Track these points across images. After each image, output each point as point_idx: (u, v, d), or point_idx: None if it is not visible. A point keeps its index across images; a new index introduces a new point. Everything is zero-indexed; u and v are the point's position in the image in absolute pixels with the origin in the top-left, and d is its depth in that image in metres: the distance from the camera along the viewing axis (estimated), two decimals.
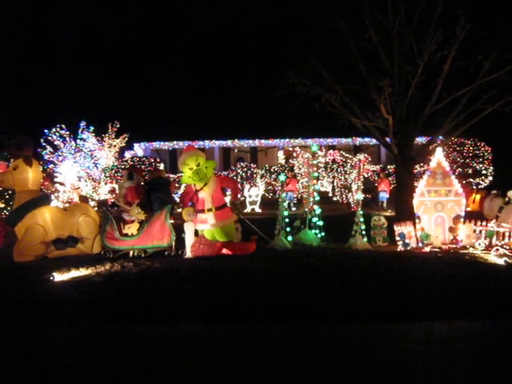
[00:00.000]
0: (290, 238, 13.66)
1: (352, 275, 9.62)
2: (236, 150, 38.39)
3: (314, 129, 32.02)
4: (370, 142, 32.57)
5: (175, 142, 35.11)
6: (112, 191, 22.65)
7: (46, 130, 24.99)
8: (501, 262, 11.10)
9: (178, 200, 15.05)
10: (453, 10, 15.88)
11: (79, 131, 26.06)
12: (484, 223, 13.17)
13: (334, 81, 17.29)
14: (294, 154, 26.61)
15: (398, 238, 13.08)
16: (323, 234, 14.27)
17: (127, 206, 12.84)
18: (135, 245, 12.49)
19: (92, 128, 26.50)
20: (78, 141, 25.88)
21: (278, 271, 10.05)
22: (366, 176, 26.98)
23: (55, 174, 23.33)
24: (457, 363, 5.95)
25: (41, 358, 6.41)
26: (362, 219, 13.58)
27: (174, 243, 12.58)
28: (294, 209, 22.11)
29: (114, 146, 28.22)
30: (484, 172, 28.55)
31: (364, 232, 13.55)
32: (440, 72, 16.81)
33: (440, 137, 19.23)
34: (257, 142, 36.27)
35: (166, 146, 35.80)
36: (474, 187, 25.85)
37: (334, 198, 26.61)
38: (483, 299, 8.27)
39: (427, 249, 12.79)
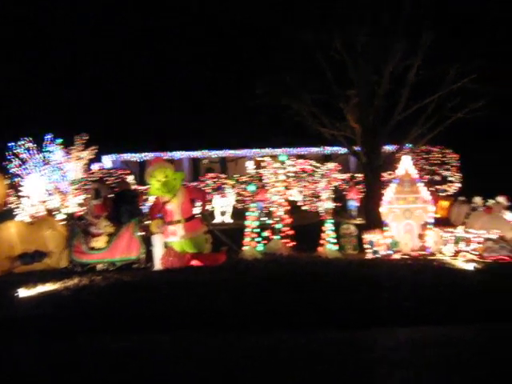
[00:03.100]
0: (260, 247, 13.65)
1: (322, 284, 9.62)
2: (205, 161, 38.26)
3: (283, 138, 32.08)
4: (339, 151, 32.69)
5: (144, 154, 34.84)
6: (80, 204, 22.39)
7: (11, 143, 24.56)
8: (469, 267, 11.23)
9: (146, 212, 14.91)
10: (417, 20, 16.11)
11: (46, 144, 25.69)
12: (452, 229, 13.33)
13: (302, 90, 17.37)
14: (264, 164, 26.61)
15: (367, 246, 13.16)
16: (293, 243, 14.27)
17: (95, 219, 12.68)
18: (103, 258, 12.35)
19: (59, 140, 26.13)
20: (45, 153, 25.50)
21: (248, 281, 10.00)
22: (335, 185, 27.11)
23: (21, 188, 23.00)
24: (426, 369, 5.96)
25: (5, 375, 6.25)
26: (331, 228, 13.63)
27: (142, 256, 12.46)
28: (263, 218, 22.08)
29: (82, 158, 27.89)
30: (451, 179, 28.90)
31: (334, 240, 13.60)
32: (406, 81, 17.02)
33: (407, 145, 19.44)
34: (226, 153, 36.23)
35: (135, 157, 35.53)
36: (442, 194, 26.13)
37: (304, 207, 26.65)
38: (452, 305, 8.33)
39: (396, 256, 12.89)
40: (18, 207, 22.01)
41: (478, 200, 16.57)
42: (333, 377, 5.83)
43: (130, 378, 5.98)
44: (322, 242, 13.59)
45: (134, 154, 35.52)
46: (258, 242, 13.85)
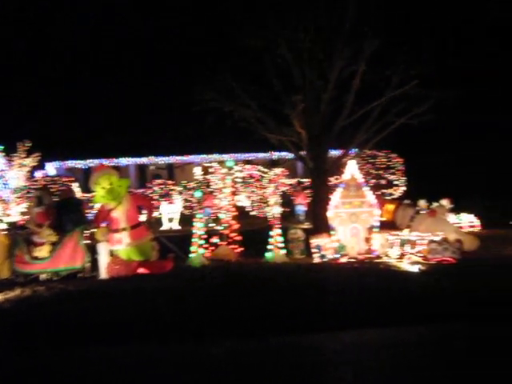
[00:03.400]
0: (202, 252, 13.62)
1: (269, 289, 9.60)
2: (152, 167, 37.90)
3: (230, 144, 32.08)
4: (287, 156, 32.86)
5: (89, 161, 34.24)
6: (23, 213, 21.83)
7: None
8: (414, 269, 11.41)
9: (91, 220, 14.62)
10: (360, 26, 16.35)
11: None
12: (397, 232, 13.53)
13: (247, 96, 17.38)
14: (211, 170, 26.52)
15: (314, 250, 13.22)
16: (241, 248, 14.24)
17: (37, 227, 12.34)
18: (47, 268, 12.05)
19: (0, 147, 25.42)
20: None
21: (196, 289, 9.89)
22: (283, 190, 27.21)
23: None
24: (372, 371, 5.99)
25: None
26: (279, 233, 13.65)
27: (87, 264, 12.21)
28: (211, 224, 21.97)
29: (25, 165, 27.19)
30: (396, 182, 29.42)
31: (282, 245, 13.62)
32: (350, 87, 17.23)
33: (353, 149, 19.68)
34: (173, 159, 35.98)
35: (80, 164, 34.90)
36: (387, 198, 26.55)
37: (252, 213, 26.63)
38: (398, 307, 8.43)
39: (343, 259, 13.00)
40: None
41: (422, 203, 16.88)
42: (281, 381, 5.81)
43: None
44: (269, 247, 13.58)
45: (78, 161, 34.88)
46: (206, 249, 13.78)
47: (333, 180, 23.73)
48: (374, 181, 28.79)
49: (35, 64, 42.39)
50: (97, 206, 14.19)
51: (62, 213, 12.66)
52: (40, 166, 30.21)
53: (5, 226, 19.13)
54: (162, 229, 22.20)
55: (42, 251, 12.12)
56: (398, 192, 29.09)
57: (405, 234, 13.51)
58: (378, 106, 17.35)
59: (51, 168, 34.62)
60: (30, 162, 27.11)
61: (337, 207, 13.83)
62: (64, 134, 34.40)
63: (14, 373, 6.55)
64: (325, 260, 13.04)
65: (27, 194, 25.03)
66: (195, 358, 6.79)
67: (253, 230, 17.88)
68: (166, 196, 27.24)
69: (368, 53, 16.52)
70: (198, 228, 13.76)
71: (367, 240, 13.60)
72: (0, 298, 9.91)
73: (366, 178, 25.31)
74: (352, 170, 14.08)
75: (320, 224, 15.90)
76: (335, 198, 13.95)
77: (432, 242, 12.86)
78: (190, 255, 13.45)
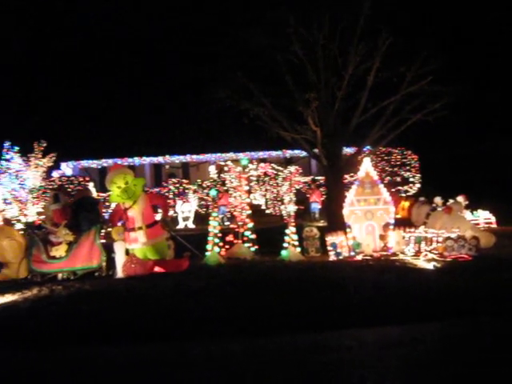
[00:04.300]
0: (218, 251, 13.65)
1: (286, 287, 9.62)
2: (167, 166, 37.99)
3: (244, 142, 32.08)
4: (301, 154, 32.79)
5: (104, 160, 34.36)
6: (40, 213, 21.98)
7: None
8: (429, 266, 11.37)
9: (107, 219, 14.70)
10: (375, 23, 16.29)
11: (3, 151, 25.14)
12: (412, 230, 13.48)
13: (262, 95, 17.38)
14: (226, 168, 26.55)
15: (330, 248, 13.20)
16: (256, 247, 14.26)
17: (54, 227, 12.43)
18: (64, 267, 12.12)
19: (17, 148, 25.61)
20: (3, 161, 24.97)
21: (213, 287, 9.94)
22: (297, 188, 27.20)
23: None
24: (389, 369, 5.98)
25: None
26: (294, 231, 13.64)
27: (104, 264, 12.28)
28: (227, 223, 22.02)
29: (41, 165, 27.38)
30: (412, 180, 29.27)
31: (297, 243, 13.62)
32: (365, 84, 17.17)
33: (368, 146, 19.62)
34: (188, 158, 36.02)
35: (94, 164, 35.05)
36: (403, 195, 26.44)
37: (267, 211, 26.68)
38: (414, 304, 8.41)
39: (359, 257, 12.98)
40: None
41: (438, 200, 16.78)
42: (297, 380, 5.82)
43: None
44: (285, 245, 13.58)
45: (93, 161, 35.05)
46: (221, 247, 13.81)
47: (348, 177, 23.74)
48: (388, 178, 28.67)
49: (50, 64, 42.63)
50: (112, 205, 14.29)
51: (79, 212, 12.73)
52: (56, 165, 30.40)
53: (22, 226, 19.30)
54: (177, 228, 22.25)
55: (59, 251, 12.20)
56: (414, 189, 28.93)
57: (420, 231, 13.45)
58: (393, 103, 17.27)
59: (67, 168, 34.82)
60: (46, 162, 27.30)
61: (352, 205, 13.82)
62: (79, 134, 34.55)
63: (31, 371, 6.61)
64: (340, 258, 13.03)
65: (43, 194, 25.20)
66: (213, 354, 6.82)
67: (268, 228, 17.87)
68: (181, 195, 27.30)
69: (382, 49, 16.46)
70: (214, 226, 13.77)
71: (383, 237, 13.57)
72: (18, 297, 10.01)
73: (380, 175, 25.27)
74: (367, 167, 14.06)
75: (335, 222, 15.86)
76: (350, 195, 13.95)
77: (448, 239, 12.80)
78: (206, 254, 13.48)
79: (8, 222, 13.85)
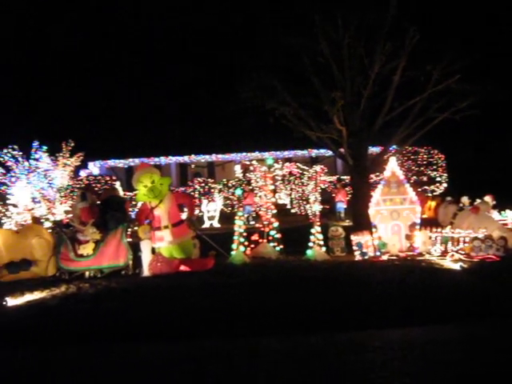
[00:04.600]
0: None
1: (311, 286, 9.63)
2: (193, 166, 38.19)
3: (270, 142, 32.14)
4: (326, 154, 32.73)
5: (131, 160, 34.67)
6: (67, 212, 22.25)
7: None
8: (456, 267, 11.27)
9: (133, 218, 14.84)
10: (401, 21, 16.18)
11: (32, 151, 25.49)
12: (439, 230, 13.37)
13: (288, 94, 17.38)
14: (251, 168, 26.61)
15: (355, 248, 13.15)
16: (281, 246, 14.26)
17: (82, 225, 12.57)
18: (91, 265, 12.26)
19: (45, 147, 25.94)
20: (31, 161, 25.31)
21: (238, 286, 9.98)
22: (322, 187, 27.13)
23: (7, 196, 22.83)
24: (417, 369, 5.96)
25: None
26: (319, 230, 13.62)
27: (130, 262, 12.39)
28: (252, 222, 22.06)
29: (69, 165, 27.72)
30: (438, 179, 29.03)
31: (322, 243, 13.60)
32: (391, 82, 17.07)
33: (394, 146, 19.50)
34: (214, 157, 36.16)
35: (121, 163, 35.39)
36: (429, 194, 26.23)
37: (292, 210, 26.67)
38: (440, 305, 8.36)
39: (385, 257, 12.91)
40: (4, 216, 21.86)
41: (464, 200, 16.62)
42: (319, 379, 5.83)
43: None
44: (310, 244, 13.56)
45: (120, 160, 35.37)
46: (247, 246, 13.84)
47: (373, 177, 23.62)
48: (415, 177, 28.48)
49: (77, 65, 43.17)
50: (139, 204, 14.40)
51: (106, 211, 12.86)
52: (83, 165, 30.76)
53: (50, 225, 19.56)
54: (202, 227, 22.34)
55: (87, 249, 12.33)
56: (440, 189, 28.69)
57: (447, 231, 13.35)
58: (419, 102, 17.14)
59: (94, 167, 35.20)
60: (74, 161, 27.64)
61: (378, 204, 13.77)
62: (106, 134, 34.92)
63: (59, 367, 6.70)
64: (366, 258, 12.97)
65: (71, 193, 25.50)
66: (243, 351, 6.86)
67: (293, 227, 17.87)
68: (207, 194, 27.43)
69: (409, 48, 16.34)
70: (239, 226, 13.81)
71: (409, 237, 13.48)
72: (47, 295, 10.16)
73: (407, 174, 25.12)
74: (393, 166, 13.98)
75: (361, 221, 15.80)
76: (376, 195, 13.88)
77: (475, 239, 12.68)
78: (231, 253, 13.52)
79: (37, 221, 14.05)
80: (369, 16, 16.55)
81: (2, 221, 21.14)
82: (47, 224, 20.66)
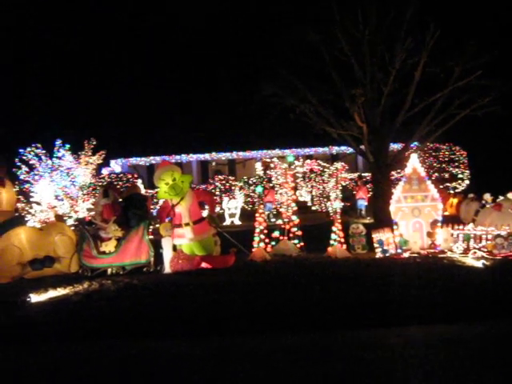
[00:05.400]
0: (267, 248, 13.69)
1: (332, 284, 9.62)
2: (214, 163, 38.29)
3: (290, 139, 32.10)
4: (347, 151, 32.61)
5: (152, 158, 34.86)
6: (90, 209, 22.44)
7: (21, 150, 24.63)
8: (478, 264, 11.18)
9: (155, 215, 14.94)
10: (422, 17, 16.10)
11: (55, 149, 25.72)
12: (461, 227, 13.28)
13: (308, 91, 17.38)
14: (272, 165, 26.64)
15: (376, 245, 13.11)
16: (302, 243, 14.26)
17: (104, 223, 12.68)
18: (113, 262, 12.35)
19: (68, 146, 26.16)
20: (54, 159, 25.54)
21: (259, 283, 10.01)
22: (343, 184, 27.07)
23: (31, 194, 23.09)
24: (438, 368, 5.94)
25: (19, 381, 6.28)
26: (340, 227, 13.60)
27: (152, 259, 12.48)
28: (273, 219, 22.09)
29: (91, 163, 27.92)
30: (460, 176, 28.79)
31: (343, 240, 13.58)
32: (412, 79, 16.98)
33: (415, 142, 19.40)
34: (234, 155, 36.18)
35: (142, 161, 35.57)
36: (451, 191, 26.03)
37: (313, 208, 26.66)
38: (462, 303, 8.31)
39: (406, 254, 12.85)
40: (28, 213, 22.13)
41: (487, 197, 16.47)
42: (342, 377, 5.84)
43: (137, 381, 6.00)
44: (331, 241, 13.54)
45: (141, 158, 35.58)
46: (267, 243, 13.87)
47: (394, 174, 23.51)
48: (436, 174, 28.26)
49: (100, 65, 43.53)
50: (160, 201, 14.50)
51: (128, 208, 12.95)
52: (105, 163, 30.98)
53: (73, 222, 19.76)
54: (223, 224, 22.41)
55: (109, 246, 12.43)
56: (462, 185, 28.45)
57: (469, 228, 13.24)
58: (441, 98, 17.03)
59: (116, 165, 35.46)
60: (96, 159, 27.85)
61: (399, 201, 13.70)
62: (127, 132, 35.18)
63: (81, 362, 6.77)
64: (387, 255, 12.92)
65: (94, 191, 25.72)
66: (257, 348, 6.88)
67: (314, 224, 17.86)
68: (228, 191, 27.51)
69: (430, 44, 16.23)
70: (260, 223, 13.84)
71: (430, 235, 13.41)
72: (70, 291, 10.27)
73: (428, 171, 24.96)
74: (414, 163, 13.90)
75: (382, 218, 15.77)
76: (397, 192, 13.82)
77: (498, 236, 12.56)
78: (252, 250, 13.56)
79: (60, 218, 14.18)
80: (389, 10, 16.50)
81: (26, 218, 21.41)
82: (70, 221, 20.92)
